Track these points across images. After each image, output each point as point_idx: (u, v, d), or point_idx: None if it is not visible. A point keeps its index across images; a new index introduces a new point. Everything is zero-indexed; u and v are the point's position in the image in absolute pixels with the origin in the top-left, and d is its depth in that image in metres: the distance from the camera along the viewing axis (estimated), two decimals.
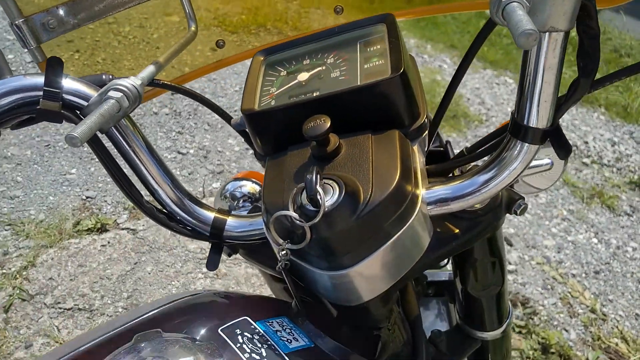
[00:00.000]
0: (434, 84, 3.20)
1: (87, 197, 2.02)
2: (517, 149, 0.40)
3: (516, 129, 0.40)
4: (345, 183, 0.38)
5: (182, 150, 2.32)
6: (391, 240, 0.39)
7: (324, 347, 0.45)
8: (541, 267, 1.99)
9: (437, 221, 0.45)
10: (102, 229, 1.88)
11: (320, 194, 0.36)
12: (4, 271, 1.69)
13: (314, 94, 0.43)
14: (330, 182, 0.38)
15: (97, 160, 2.23)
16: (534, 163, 0.51)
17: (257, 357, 0.40)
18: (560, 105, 0.38)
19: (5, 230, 1.86)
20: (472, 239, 0.47)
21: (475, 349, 0.67)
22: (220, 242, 0.50)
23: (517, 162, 0.41)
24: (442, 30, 4.09)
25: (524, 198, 0.49)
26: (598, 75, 0.37)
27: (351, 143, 0.41)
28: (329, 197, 0.37)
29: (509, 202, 0.48)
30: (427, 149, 0.48)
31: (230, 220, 0.49)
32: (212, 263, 0.50)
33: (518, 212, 0.48)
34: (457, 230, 0.45)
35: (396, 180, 0.38)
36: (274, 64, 0.50)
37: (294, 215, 0.37)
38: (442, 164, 0.48)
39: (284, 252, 0.40)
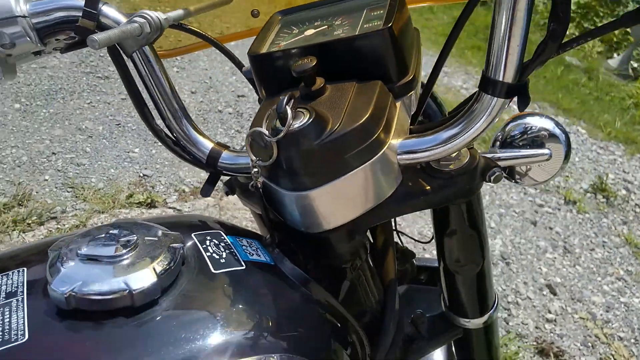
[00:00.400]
0: (499, 123, 3.13)
1: (144, 175, 2.15)
2: (485, 102, 0.41)
3: (484, 83, 0.41)
4: (316, 113, 0.41)
5: (237, 147, 2.41)
6: (351, 172, 0.42)
7: (283, 268, 0.47)
8: (584, 323, 1.86)
9: (410, 176, 0.47)
10: (151, 205, 1.98)
11: (288, 114, 0.39)
12: (59, 226, 1.83)
13: (311, 43, 0.47)
14: (304, 110, 0.41)
15: (159, 144, 2.38)
16: (531, 152, 0.52)
17: (216, 257, 0.44)
18: (528, 63, 0.39)
19: (68, 192, 2.01)
20: (444, 200, 0.48)
21: (456, 337, 0.64)
22: (214, 172, 0.53)
23: (484, 115, 0.42)
24: None
25: (500, 167, 0.48)
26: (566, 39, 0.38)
27: (336, 87, 0.44)
28: (299, 121, 0.40)
29: (485, 168, 0.48)
30: (414, 111, 0.50)
31: (225, 153, 0.53)
32: (206, 190, 0.54)
33: (492, 179, 0.47)
34: (427, 187, 0.46)
35: (364, 118, 0.41)
36: (289, 23, 0.53)
37: (265, 131, 0.40)
38: (424, 125, 0.50)
39: (256, 169, 0.43)
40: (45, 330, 0.36)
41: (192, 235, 0.46)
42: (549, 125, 0.56)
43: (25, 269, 0.40)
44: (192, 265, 0.42)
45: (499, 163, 0.51)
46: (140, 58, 0.50)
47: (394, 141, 0.44)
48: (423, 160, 0.45)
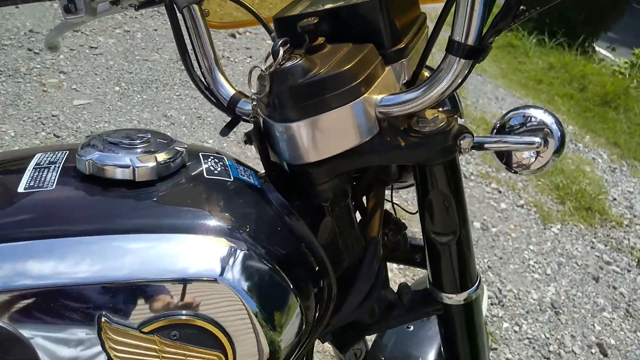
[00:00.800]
0: (579, 173, 2.97)
1: None
2: (449, 63, 0.46)
3: (449, 46, 0.45)
4: (306, 57, 0.48)
5: None
6: (330, 110, 0.48)
7: (269, 193, 0.52)
8: None
9: (389, 132, 0.51)
10: None
11: (280, 51, 0.47)
12: None
13: (320, 9, 0.54)
14: (298, 55, 0.48)
15: (230, 139, 2.54)
16: (521, 139, 0.55)
17: (212, 168, 0.51)
18: (488, 29, 0.44)
19: None
20: (417, 157, 0.52)
21: (437, 312, 0.65)
22: (233, 116, 0.60)
23: (448, 75, 0.46)
24: (609, 125, 3.78)
25: (472, 134, 0.51)
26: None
27: (334, 46, 0.51)
28: (292, 62, 0.47)
29: (458, 133, 0.51)
30: (406, 80, 0.55)
31: (243, 100, 0.60)
32: (224, 131, 0.62)
33: (461, 142, 0.51)
34: (403, 143, 0.51)
35: (346, 67, 0.47)
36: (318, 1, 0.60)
37: (261, 67, 0.48)
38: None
39: (254, 102, 0.50)
40: (67, 185, 0.45)
41: (200, 153, 0.54)
42: (548, 119, 0.57)
43: (68, 150, 0.50)
44: (189, 170, 0.50)
45: (488, 146, 0.54)
46: (190, 14, 0.60)
47: (375, 96, 0.50)
48: (396, 113, 0.50)
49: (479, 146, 0.54)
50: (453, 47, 0.45)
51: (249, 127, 0.55)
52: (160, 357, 0.42)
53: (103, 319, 0.40)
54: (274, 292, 0.48)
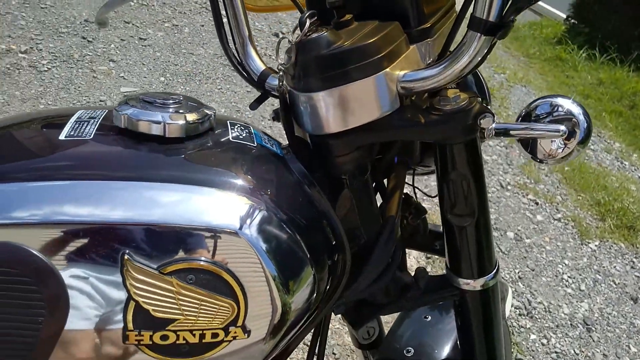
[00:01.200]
0: (623, 191, 2.85)
1: None
2: (470, 39, 0.47)
3: (471, 22, 0.47)
4: (332, 30, 0.49)
5: None
6: (352, 82, 0.49)
7: (291, 163, 0.54)
8: None
9: (411, 109, 0.52)
10: None
11: (307, 23, 0.48)
12: None
13: None
14: (325, 28, 0.50)
15: (274, 125, 2.58)
16: (546, 127, 0.54)
17: (237, 134, 0.53)
18: (509, 7, 0.45)
19: None
20: (436, 134, 0.52)
21: (452, 298, 0.64)
22: (262, 91, 0.63)
23: (470, 51, 0.47)
24: None
25: (493, 114, 0.51)
26: None
27: (360, 23, 0.52)
28: (318, 34, 0.49)
29: (479, 113, 0.51)
30: (430, 59, 0.55)
31: (272, 76, 0.62)
32: (253, 106, 0.64)
33: (481, 122, 0.51)
34: (423, 120, 0.52)
35: (370, 41, 0.48)
36: None
37: (290, 37, 0.50)
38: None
39: (282, 73, 0.52)
40: (104, 136, 0.48)
41: (227, 121, 0.56)
42: (575, 109, 0.57)
43: (107, 110, 0.53)
44: (216, 133, 0.53)
45: (513, 132, 0.55)
46: None
47: (397, 71, 0.51)
48: (418, 89, 0.51)
49: (504, 132, 0.54)
50: (474, 24, 0.46)
51: (277, 106, 0.57)
52: (177, 298, 0.44)
53: (126, 257, 0.42)
54: (290, 257, 0.49)
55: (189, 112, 0.50)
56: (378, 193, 0.68)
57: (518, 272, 2.09)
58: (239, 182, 0.48)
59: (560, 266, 2.18)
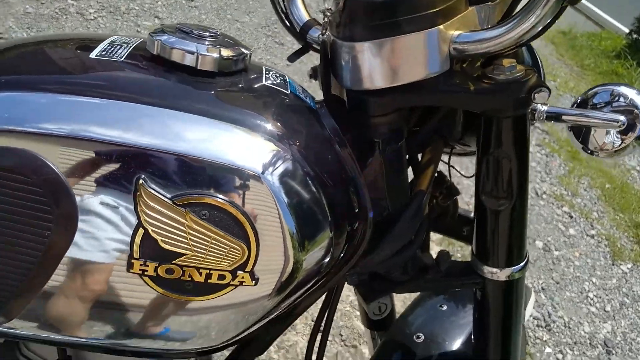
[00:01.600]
0: None
1: None
2: (538, 1, 0.42)
3: None
4: None
5: None
6: (401, 35, 0.45)
7: (322, 117, 0.51)
8: None
9: (461, 74, 0.49)
10: None
11: None
12: None
13: None
14: None
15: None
16: (602, 115, 0.49)
17: (271, 79, 0.51)
18: None
19: None
20: (484, 104, 0.49)
21: (474, 286, 0.60)
22: (304, 43, 0.60)
23: (537, 13, 0.42)
24: None
25: (549, 89, 0.47)
26: None
27: None
28: None
29: (534, 86, 0.47)
30: (489, 24, 0.51)
31: (315, 28, 0.59)
32: (292, 57, 0.61)
33: (536, 96, 0.47)
34: (472, 87, 0.48)
35: None
36: None
37: None
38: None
39: (326, 19, 0.49)
40: (135, 60, 0.47)
41: (263, 67, 0.53)
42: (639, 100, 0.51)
43: (142, 39, 0.52)
44: (250, 74, 0.50)
45: (566, 117, 0.50)
46: None
47: (452, 31, 0.47)
48: (472, 51, 0.47)
49: (556, 117, 0.50)
50: None
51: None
52: (187, 232, 0.42)
53: (141, 182, 0.41)
54: (310, 214, 0.46)
55: (224, 48, 0.48)
56: (411, 168, 0.64)
57: (542, 283, 2.02)
58: (268, 126, 0.46)
59: (587, 283, 2.09)
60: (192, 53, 0.46)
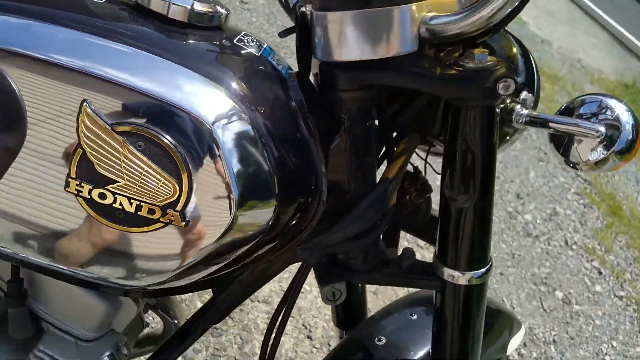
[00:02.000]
0: None
1: None
2: None
3: None
4: None
5: None
6: (372, 8, 0.46)
7: (291, 88, 0.51)
8: None
9: (427, 57, 0.49)
10: None
11: None
12: None
13: None
14: None
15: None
16: (583, 123, 0.48)
17: (244, 39, 0.51)
18: None
19: None
20: (449, 90, 0.49)
21: (432, 288, 0.59)
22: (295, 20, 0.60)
23: None
24: None
25: (516, 81, 0.47)
26: None
27: None
28: None
29: (500, 76, 0.46)
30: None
31: (308, 6, 0.60)
32: (283, 34, 0.61)
33: (500, 85, 0.46)
34: (438, 72, 0.48)
35: None
36: None
37: None
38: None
39: None
40: (114, 4, 0.49)
41: (244, 32, 0.54)
42: (625, 118, 0.49)
43: None
44: (224, 32, 0.51)
45: (546, 123, 0.50)
46: None
47: (425, 12, 0.47)
48: (440, 34, 0.47)
49: (537, 122, 0.50)
50: None
51: None
52: (122, 160, 0.43)
53: (84, 105, 0.42)
54: (253, 174, 0.46)
55: (200, 2, 0.49)
56: (385, 160, 0.63)
57: (554, 335, 1.90)
58: (231, 83, 0.46)
59: (606, 346, 1.96)
60: (164, 0, 0.47)
